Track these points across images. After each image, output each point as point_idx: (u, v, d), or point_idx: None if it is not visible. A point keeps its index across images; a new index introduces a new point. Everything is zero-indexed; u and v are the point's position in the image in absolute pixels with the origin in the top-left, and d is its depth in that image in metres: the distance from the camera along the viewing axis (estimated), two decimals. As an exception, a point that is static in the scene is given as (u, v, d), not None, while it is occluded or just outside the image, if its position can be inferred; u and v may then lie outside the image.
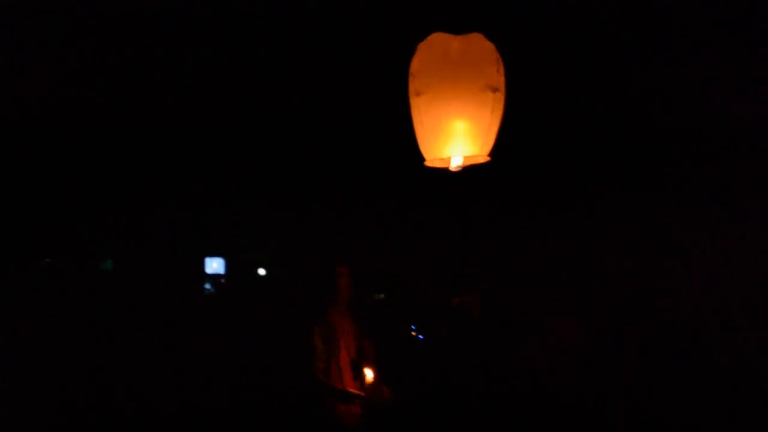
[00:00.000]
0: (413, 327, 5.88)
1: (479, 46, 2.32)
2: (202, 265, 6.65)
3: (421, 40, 2.41)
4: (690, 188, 5.39)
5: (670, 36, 3.50)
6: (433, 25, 2.44)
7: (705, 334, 5.39)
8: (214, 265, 6.68)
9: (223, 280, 6.73)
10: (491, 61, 2.31)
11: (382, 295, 6.53)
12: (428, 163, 2.39)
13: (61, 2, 3.11)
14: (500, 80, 2.32)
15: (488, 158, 2.39)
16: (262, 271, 6.67)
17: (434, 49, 2.33)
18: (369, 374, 3.99)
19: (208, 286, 6.71)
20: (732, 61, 3.70)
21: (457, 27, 2.39)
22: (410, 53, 2.40)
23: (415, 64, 2.37)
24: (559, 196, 5.65)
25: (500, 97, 2.31)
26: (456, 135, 2.29)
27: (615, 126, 4.69)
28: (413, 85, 2.35)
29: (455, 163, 2.34)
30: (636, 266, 5.74)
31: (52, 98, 4.19)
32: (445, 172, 2.41)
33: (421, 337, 5.86)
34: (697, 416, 5.03)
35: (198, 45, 3.59)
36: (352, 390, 3.96)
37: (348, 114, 4.46)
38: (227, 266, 6.68)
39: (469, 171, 2.50)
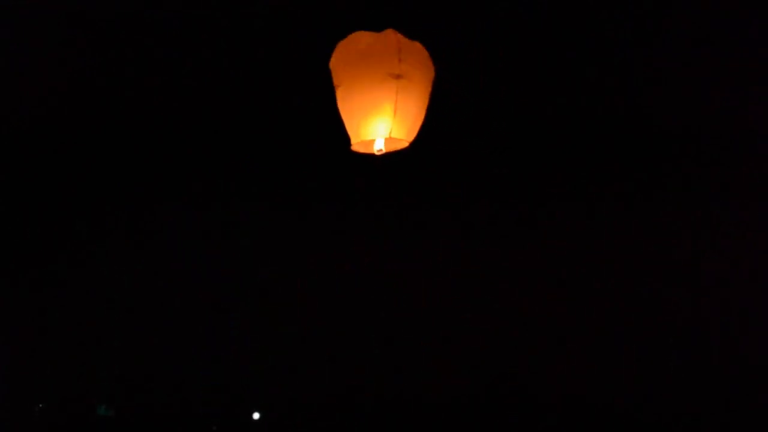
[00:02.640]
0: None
1: (385, 39, 2.60)
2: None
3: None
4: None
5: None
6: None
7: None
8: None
9: (215, 428, 6.94)
10: (393, 52, 2.55)
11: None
12: (354, 147, 2.69)
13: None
14: (404, 68, 2.56)
15: (407, 144, 2.69)
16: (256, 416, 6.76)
17: (349, 45, 2.65)
18: None
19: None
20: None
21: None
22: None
23: (333, 60, 2.70)
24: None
25: (406, 83, 2.55)
26: (369, 120, 2.59)
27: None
28: (333, 79, 2.69)
29: (377, 147, 2.63)
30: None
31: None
32: (372, 156, 2.71)
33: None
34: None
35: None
36: None
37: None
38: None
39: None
